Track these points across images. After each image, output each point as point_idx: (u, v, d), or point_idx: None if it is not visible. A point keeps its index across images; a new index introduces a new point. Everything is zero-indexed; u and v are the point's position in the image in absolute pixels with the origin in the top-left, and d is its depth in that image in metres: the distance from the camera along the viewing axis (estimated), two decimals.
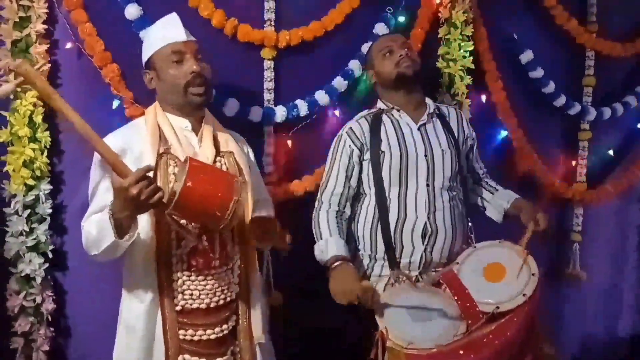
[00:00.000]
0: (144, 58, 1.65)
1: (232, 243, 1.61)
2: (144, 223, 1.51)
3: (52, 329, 1.93)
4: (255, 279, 1.67)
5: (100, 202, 1.52)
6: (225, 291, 1.59)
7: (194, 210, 1.40)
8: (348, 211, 1.94)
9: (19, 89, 1.72)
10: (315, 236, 1.89)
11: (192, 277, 1.55)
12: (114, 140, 1.53)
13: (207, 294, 1.56)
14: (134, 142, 1.56)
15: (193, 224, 1.52)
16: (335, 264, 1.77)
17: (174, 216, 1.44)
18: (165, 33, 1.60)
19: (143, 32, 1.89)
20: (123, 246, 1.45)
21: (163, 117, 1.61)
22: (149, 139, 1.56)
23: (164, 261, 1.53)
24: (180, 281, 1.54)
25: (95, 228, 1.45)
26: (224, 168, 1.62)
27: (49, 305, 1.90)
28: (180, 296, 1.54)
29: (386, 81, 1.97)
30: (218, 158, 1.63)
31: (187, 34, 1.61)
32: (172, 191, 1.43)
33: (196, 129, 1.64)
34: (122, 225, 1.41)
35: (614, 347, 3.17)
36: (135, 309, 1.56)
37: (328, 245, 1.83)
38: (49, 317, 1.92)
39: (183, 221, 1.50)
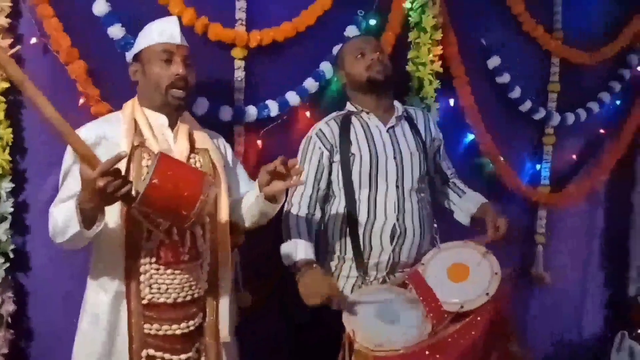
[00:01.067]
0: (135, 50, 1.66)
1: (202, 239, 1.59)
2: (114, 212, 1.50)
3: (12, 331, 1.88)
4: (226, 277, 1.65)
5: (69, 191, 1.51)
6: (194, 287, 1.58)
7: (159, 207, 1.38)
8: (318, 213, 1.93)
9: None
10: (283, 236, 1.88)
11: (161, 271, 1.53)
12: (88, 132, 1.55)
13: (175, 289, 1.54)
14: (108, 134, 1.57)
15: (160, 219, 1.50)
16: (303, 268, 1.76)
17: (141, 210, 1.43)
18: (161, 31, 1.62)
19: (111, 29, 1.86)
20: (88, 236, 1.44)
21: (140, 112, 1.62)
22: (124, 131, 1.56)
23: (133, 252, 1.52)
24: (148, 274, 1.52)
25: (62, 216, 1.44)
26: (197, 165, 1.62)
27: (9, 307, 1.86)
28: (147, 289, 1.52)
29: (356, 83, 1.98)
30: (192, 155, 1.64)
31: (182, 39, 1.64)
32: (141, 185, 1.42)
33: (172, 126, 1.64)
34: (89, 216, 1.40)
35: (580, 347, 3.25)
36: (101, 299, 1.54)
37: (297, 248, 1.81)
38: (9, 319, 1.86)
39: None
